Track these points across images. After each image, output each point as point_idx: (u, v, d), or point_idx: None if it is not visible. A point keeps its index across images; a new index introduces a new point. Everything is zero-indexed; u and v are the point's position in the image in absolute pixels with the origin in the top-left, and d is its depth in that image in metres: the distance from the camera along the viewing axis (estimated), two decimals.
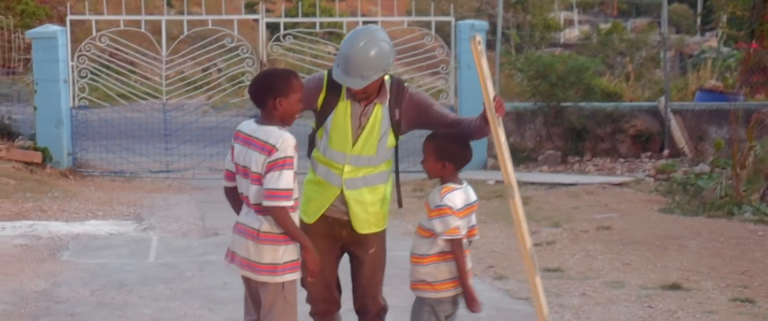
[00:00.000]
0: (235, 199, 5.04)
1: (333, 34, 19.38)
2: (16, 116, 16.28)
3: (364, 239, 5.44)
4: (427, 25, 15.45)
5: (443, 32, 15.60)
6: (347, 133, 5.24)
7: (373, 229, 5.41)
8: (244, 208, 4.93)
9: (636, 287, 8.07)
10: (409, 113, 5.29)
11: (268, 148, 4.74)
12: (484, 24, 15.71)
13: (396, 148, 5.41)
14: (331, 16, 18.40)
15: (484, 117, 5.10)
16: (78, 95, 14.94)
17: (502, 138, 5.08)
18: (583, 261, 9.10)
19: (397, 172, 5.50)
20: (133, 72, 16.57)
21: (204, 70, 17.01)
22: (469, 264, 5.26)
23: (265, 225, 4.81)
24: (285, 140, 4.75)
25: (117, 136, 15.26)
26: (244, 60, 15.18)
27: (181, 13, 16.53)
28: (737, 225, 10.67)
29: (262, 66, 14.95)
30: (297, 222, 4.90)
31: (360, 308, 5.60)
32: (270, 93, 4.81)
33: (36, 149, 14.62)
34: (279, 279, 4.85)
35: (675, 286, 8.02)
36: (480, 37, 5.15)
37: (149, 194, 13.23)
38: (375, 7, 16.32)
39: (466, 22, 15.60)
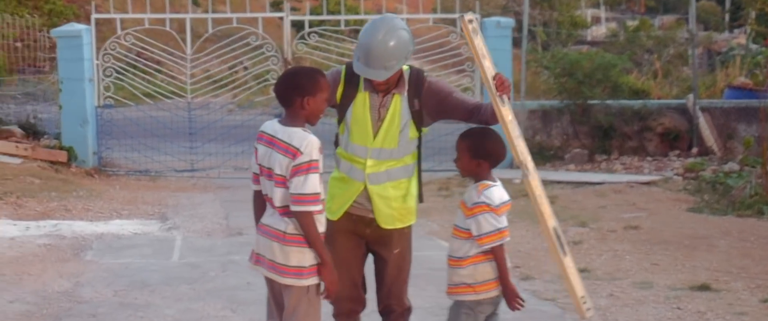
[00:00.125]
0: (259, 203, 4.93)
1: (358, 32, 19.30)
2: (42, 115, 16.32)
3: (389, 238, 5.35)
4: (453, 22, 15.37)
5: None
6: (367, 125, 5.18)
7: (398, 225, 5.32)
8: (269, 209, 4.84)
9: (664, 288, 7.95)
10: (429, 103, 5.20)
11: (292, 151, 4.64)
12: (509, 21, 15.62)
13: (419, 141, 5.31)
14: (357, 13, 18.31)
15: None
16: (103, 94, 14.94)
17: (510, 116, 4.94)
18: (611, 261, 8.99)
19: (419, 166, 5.39)
20: (159, 71, 16.57)
21: (230, 68, 16.97)
22: (508, 263, 5.15)
23: (291, 226, 4.71)
24: (309, 143, 4.65)
25: (142, 135, 15.26)
26: (269, 58, 15.14)
27: (207, 11, 16.47)
28: (767, 224, 10.51)
29: (286, 64, 14.90)
30: (323, 225, 4.79)
31: (384, 309, 5.52)
32: (297, 92, 4.71)
33: (61, 148, 14.65)
34: (305, 282, 4.74)
35: (704, 287, 7.90)
36: (472, 16, 4.99)
37: (174, 193, 13.22)
38: (400, 5, 16.26)
39: (491, 20, 15.52)
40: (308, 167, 4.62)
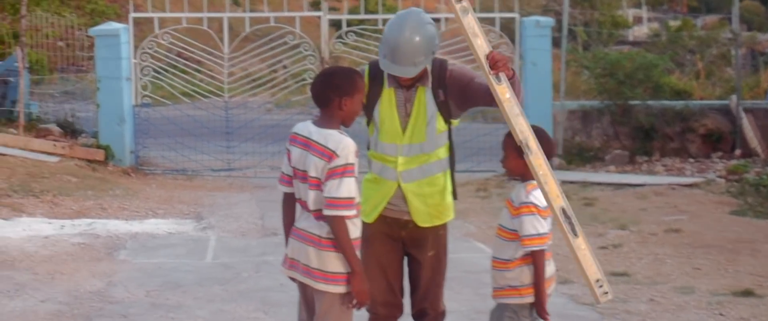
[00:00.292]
0: (290, 206, 4.81)
1: None
2: (80, 114, 16.35)
3: (424, 241, 5.22)
4: (492, 21, 15.23)
5: (508, 29, 15.37)
6: (395, 122, 5.07)
7: (436, 222, 5.18)
8: (303, 213, 4.71)
9: (706, 293, 7.77)
10: (453, 91, 5.08)
11: (328, 154, 4.52)
12: (549, 20, 15.49)
13: (449, 135, 5.17)
14: (394, 12, 18.21)
15: (510, 80, 4.83)
16: (140, 93, 14.94)
17: (507, 94, 4.78)
18: (651, 265, 8.82)
19: (452, 161, 5.26)
20: (198, 70, 16.56)
21: (270, 67, 16.93)
22: (552, 268, 5.00)
23: (327, 231, 4.57)
24: (346, 146, 4.52)
25: (179, 134, 15.26)
26: (306, 57, 15.07)
27: (245, 10, 16.43)
28: None
29: (323, 63, 14.84)
30: (359, 229, 4.66)
31: (417, 313, 5.38)
32: (335, 92, 4.59)
33: (98, 147, 14.68)
34: (340, 289, 4.60)
35: (747, 293, 7.71)
36: None
37: (210, 193, 13.18)
38: (439, 4, 16.14)
39: (530, 19, 15.39)
40: (343, 171, 4.50)
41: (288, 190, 4.78)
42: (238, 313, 7.19)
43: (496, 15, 15.25)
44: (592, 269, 4.71)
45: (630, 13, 31.87)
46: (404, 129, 5.07)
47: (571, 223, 4.69)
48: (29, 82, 17.38)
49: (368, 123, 5.17)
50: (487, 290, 5.19)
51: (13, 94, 16.55)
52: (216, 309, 7.28)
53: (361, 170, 4.67)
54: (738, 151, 14.99)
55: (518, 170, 4.93)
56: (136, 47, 14.99)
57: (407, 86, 5.06)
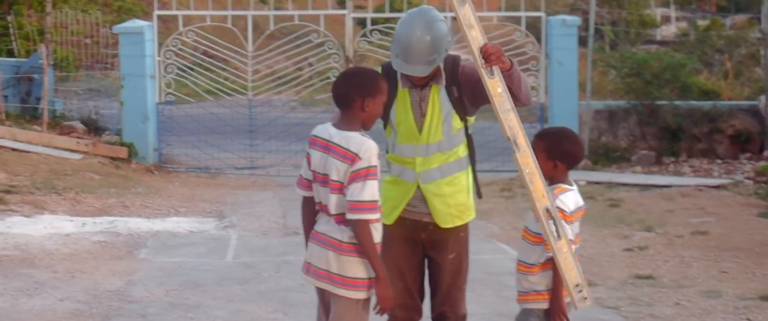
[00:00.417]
0: (310, 210, 4.72)
1: None
2: (104, 111, 16.36)
3: (445, 243, 5.13)
4: (518, 20, 15.13)
5: (534, 28, 15.27)
6: (411, 122, 5.00)
7: (457, 222, 5.09)
8: (324, 217, 4.62)
9: (733, 297, 7.65)
10: (466, 87, 5.00)
11: (350, 157, 4.43)
12: (575, 19, 15.37)
13: (468, 133, 5.08)
14: None
15: (507, 73, 4.74)
16: (164, 90, 14.92)
17: (499, 89, 4.68)
18: (677, 268, 8.70)
19: (473, 160, 5.16)
20: (223, 68, 16.54)
21: (296, 65, 16.89)
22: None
23: (348, 235, 4.49)
24: (368, 148, 4.44)
25: (202, 132, 15.23)
26: (331, 56, 15.01)
27: (270, 8, 16.38)
28: None
29: (348, 62, 14.77)
30: (380, 233, 4.57)
31: (437, 316, 5.29)
32: (359, 93, 4.51)
33: (122, 144, 14.66)
34: (358, 295, 4.52)
35: None
36: None
37: (233, 191, 13.14)
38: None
39: (557, 18, 15.28)
40: (366, 173, 4.41)
41: (306, 193, 4.70)
42: (257, 313, 7.13)
43: (523, 14, 15.14)
44: (573, 273, 4.66)
45: (658, 12, 31.62)
46: (420, 129, 4.99)
47: (555, 225, 4.61)
48: (54, 79, 17.44)
49: (385, 126, 5.09)
50: (510, 293, 5.10)
51: (37, 91, 16.60)
52: (235, 309, 7.22)
53: (381, 170, 4.58)
54: (766, 152, 14.83)
55: (546, 173, 4.82)
56: (160, 45, 14.97)
57: (421, 86, 4.99)
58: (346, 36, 15.15)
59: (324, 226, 4.58)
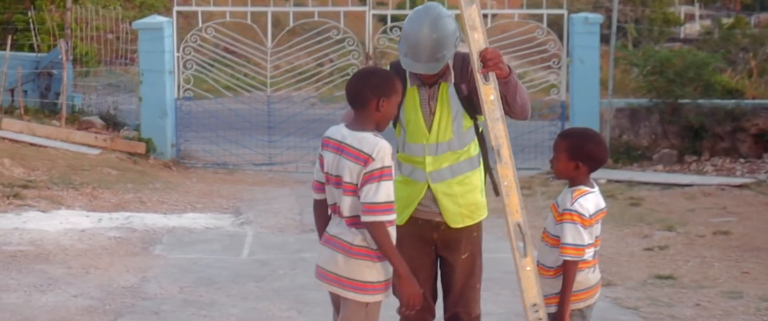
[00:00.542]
0: (322, 213, 4.65)
1: None
2: (123, 106, 16.35)
3: (457, 243, 5.05)
4: (539, 18, 15.03)
5: (556, 26, 15.16)
6: (420, 121, 4.92)
7: (468, 222, 5.02)
8: (335, 219, 4.54)
9: (755, 298, 7.54)
10: (475, 84, 4.89)
11: (364, 158, 4.36)
12: (598, 17, 15.24)
13: (477, 129, 5.00)
14: None
15: (505, 80, 4.71)
16: (183, 86, 14.89)
17: (492, 96, 4.61)
18: (698, 268, 8.59)
19: (485, 158, 5.07)
20: (242, 64, 16.50)
21: (315, 62, 16.84)
22: (597, 276, 4.82)
23: (359, 238, 4.42)
24: (381, 148, 4.36)
25: (221, 128, 15.20)
26: (351, 52, 14.94)
27: (289, 4, 16.31)
28: None
29: (368, 59, 14.70)
30: (394, 234, 4.48)
31: (451, 317, 5.20)
32: (374, 92, 4.44)
33: (140, 140, 14.65)
34: (366, 298, 4.45)
35: None
36: None
37: (250, 187, 13.09)
38: (487, 0, 15.92)
39: (579, 16, 15.18)
40: (380, 174, 4.34)
41: (319, 196, 4.65)
42: (271, 311, 7.06)
43: (544, 11, 15.03)
44: (532, 293, 4.67)
45: (682, 10, 31.44)
46: (430, 128, 4.91)
47: (523, 241, 4.61)
48: (73, 75, 17.44)
49: (394, 125, 5.01)
50: None
51: (57, 86, 16.62)
52: (249, 307, 7.16)
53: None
54: None
55: (567, 173, 4.74)
56: (181, 40, 14.94)
57: (430, 84, 4.91)
58: (366, 32, 15.08)
59: (335, 228, 4.52)
